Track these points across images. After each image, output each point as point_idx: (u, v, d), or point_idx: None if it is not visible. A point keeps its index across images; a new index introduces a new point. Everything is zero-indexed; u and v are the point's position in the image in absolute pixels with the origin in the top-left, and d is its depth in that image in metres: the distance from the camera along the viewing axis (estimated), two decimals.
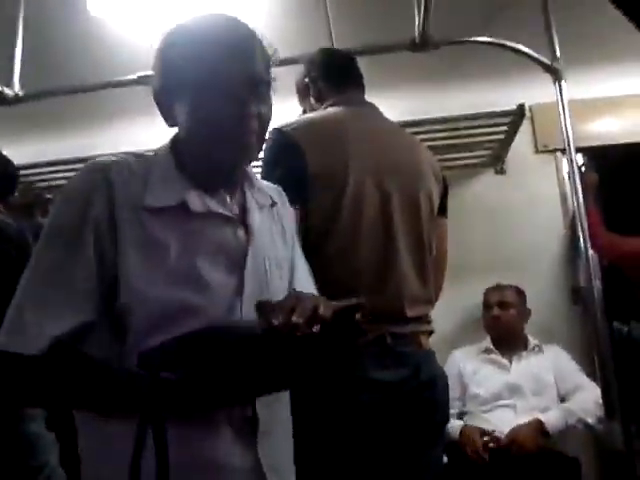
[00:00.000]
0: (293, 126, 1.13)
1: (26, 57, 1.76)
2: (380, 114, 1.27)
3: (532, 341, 2.12)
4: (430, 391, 1.12)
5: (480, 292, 2.25)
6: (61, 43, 2.02)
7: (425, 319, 1.18)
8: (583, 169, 2.36)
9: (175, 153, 0.79)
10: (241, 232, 0.79)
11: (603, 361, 1.65)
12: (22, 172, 2.40)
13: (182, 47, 0.76)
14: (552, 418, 1.90)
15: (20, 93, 1.74)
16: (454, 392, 1.98)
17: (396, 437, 1.06)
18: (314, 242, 1.09)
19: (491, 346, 2.13)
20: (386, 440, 1.05)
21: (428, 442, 1.12)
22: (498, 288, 2.19)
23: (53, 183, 2.70)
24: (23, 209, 2.25)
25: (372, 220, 1.11)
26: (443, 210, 1.29)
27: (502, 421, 1.92)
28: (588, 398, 1.90)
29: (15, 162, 1.82)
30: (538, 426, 1.87)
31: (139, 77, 1.70)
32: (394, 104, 1.30)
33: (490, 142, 2.30)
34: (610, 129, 2.44)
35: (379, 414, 1.04)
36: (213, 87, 0.73)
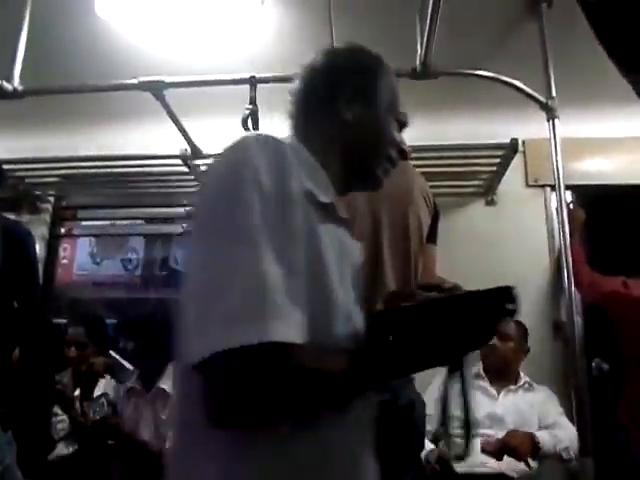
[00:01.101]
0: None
1: (30, 54, 1.76)
2: None
3: (523, 377, 2.11)
4: (408, 416, 1.12)
5: None
6: (67, 42, 2.03)
7: None
8: (571, 206, 2.40)
9: (315, 152, 0.77)
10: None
11: (580, 397, 1.65)
12: (14, 167, 2.40)
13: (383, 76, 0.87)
14: (544, 436, 1.89)
15: (19, 88, 1.74)
16: (438, 410, 1.97)
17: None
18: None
19: (481, 372, 2.11)
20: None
21: (404, 467, 1.11)
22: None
23: (45, 180, 2.69)
24: (10, 204, 2.23)
25: (360, 240, 1.12)
26: (433, 237, 1.31)
27: (477, 450, 1.92)
28: (566, 435, 1.90)
29: (7, 157, 1.81)
30: (532, 437, 1.87)
31: (140, 82, 1.71)
32: None
33: (482, 173, 2.33)
34: (600, 169, 2.50)
35: None
36: (391, 112, 0.86)
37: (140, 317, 2.23)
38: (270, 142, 0.68)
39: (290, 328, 0.58)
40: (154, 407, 2.09)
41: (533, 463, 1.89)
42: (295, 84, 0.87)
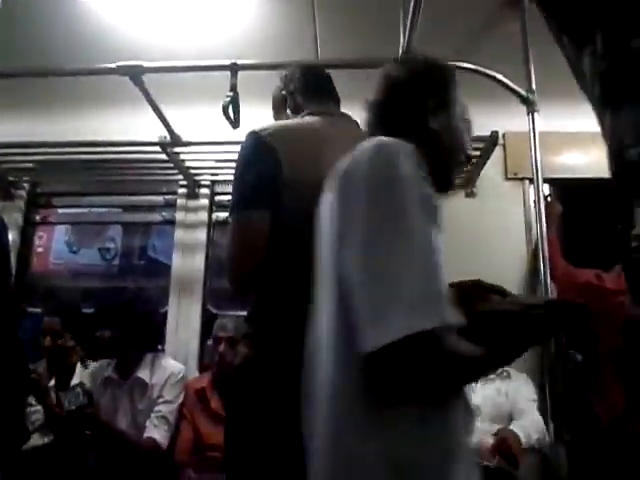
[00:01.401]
0: (269, 131, 1.13)
1: (5, 35, 1.71)
2: (356, 126, 1.29)
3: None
4: None
5: None
6: (44, 24, 1.98)
7: None
8: (549, 199, 2.44)
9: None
10: None
11: (554, 387, 1.69)
12: None
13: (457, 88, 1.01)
14: (519, 432, 1.90)
15: None
16: None
17: None
18: (282, 253, 1.09)
19: None
20: None
21: None
22: None
23: (20, 165, 2.62)
24: None
25: None
26: None
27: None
28: (534, 425, 1.92)
29: None
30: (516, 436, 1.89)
31: (118, 66, 1.67)
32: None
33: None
34: (577, 163, 2.53)
35: None
36: (463, 120, 1.00)
37: (117, 306, 2.20)
38: (409, 149, 0.78)
39: (449, 315, 0.68)
40: (131, 397, 2.08)
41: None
42: (376, 93, 0.99)
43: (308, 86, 1.30)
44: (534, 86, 1.74)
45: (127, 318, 2.07)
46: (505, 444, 1.84)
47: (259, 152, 1.11)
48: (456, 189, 2.52)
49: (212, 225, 2.66)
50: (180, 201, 2.66)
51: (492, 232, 2.46)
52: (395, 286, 0.68)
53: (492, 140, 2.14)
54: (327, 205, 0.88)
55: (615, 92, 0.55)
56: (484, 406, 2.01)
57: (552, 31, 0.63)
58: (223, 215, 2.63)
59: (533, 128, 1.77)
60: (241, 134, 1.17)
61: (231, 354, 2.02)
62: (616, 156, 0.52)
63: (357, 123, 1.29)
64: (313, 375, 0.84)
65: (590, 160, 2.52)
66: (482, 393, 2.05)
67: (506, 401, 2.04)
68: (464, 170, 2.43)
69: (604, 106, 0.55)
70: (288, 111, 1.31)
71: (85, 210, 3.01)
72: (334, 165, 1.13)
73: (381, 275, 0.69)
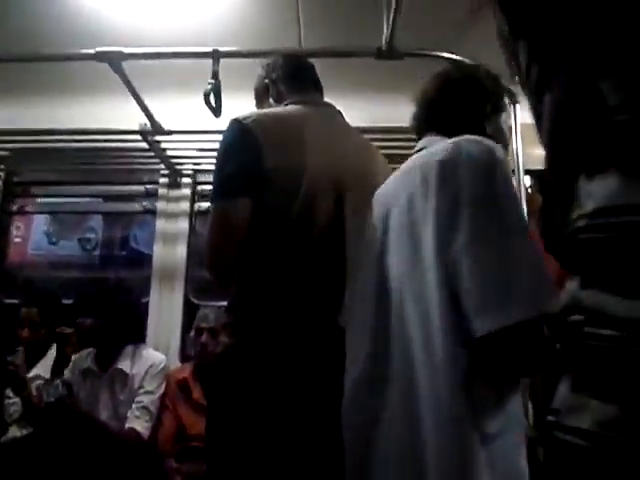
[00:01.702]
0: (252, 119, 1.12)
1: None
2: (339, 115, 1.28)
3: None
4: None
5: None
6: (19, 5, 1.92)
7: None
8: (529, 190, 2.46)
9: None
10: None
11: None
12: None
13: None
14: None
15: None
16: None
17: (331, 439, 1.07)
18: (263, 242, 1.08)
19: None
20: (320, 442, 1.05)
21: None
22: None
23: None
24: None
25: (324, 224, 1.11)
26: None
27: None
28: None
29: None
30: None
31: (97, 52, 1.64)
32: (350, 110, 1.33)
33: None
34: None
35: (317, 413, 1.05)
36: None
37: (97, 296, 2.17)
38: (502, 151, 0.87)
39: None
40: (112, 388, 2.06)
41: None
42: (431, 91, 1.09)
43: (291, 75, 1.29)
44: (516, 77, 1.74)
45: (107, 308, 2.04)
46: None
47: (241, 140, 1.10)
48: None
49: (194, 215, 2.64)
50: (162, 190, 2.63)
51: None
52: (511, 273, 0.75)
53: None
54: (398, 193, 0.93)
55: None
56: None
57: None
58: (205, 205, 2.60)
59: (515, 119, 1.78)
60: (223, 123, 1.16)
61: (213, 344, 2.02)
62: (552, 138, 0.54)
63: (340, 112, 1.29)
64: (390, 361, 0.85)
65: None
66: None
67: None
68: None
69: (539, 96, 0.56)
70: (271, 100, 1.30)
71: (64, 200, 2.96)
72: (316, 158, 1.14)
73: (495, 262, 0.76)
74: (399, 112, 2.40)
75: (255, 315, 1.08)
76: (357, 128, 1.37)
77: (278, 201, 1.08)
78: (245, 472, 1.03)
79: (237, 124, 1.11)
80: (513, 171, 1.99)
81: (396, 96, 2.41)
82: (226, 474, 1.06)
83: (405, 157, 2.31)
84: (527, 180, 2.43)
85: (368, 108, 2.33)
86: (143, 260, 2.92)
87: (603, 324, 0.43)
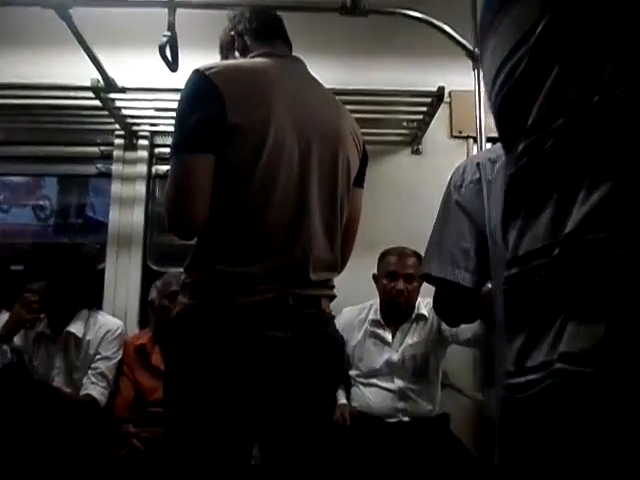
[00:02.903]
0: (215, 69, 1.07)
1: None
2: (306, 69, 1.24)
3: (416, 309, 2.09)
4: (326, 353, 1.13)
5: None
6: None
7: (329, 284, 1.19)
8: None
9: None
10: None
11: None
12: None
13: None
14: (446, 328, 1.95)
15: None
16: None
17: (284, 395, 1.07)
18: (227, 195, 1.05)
19: (379, 318, 2.08)
20: (274, 398, 1.06)
21: (320, 399, 1.13)
22: (404, 256, 2.06)
23: None
24: None
25: (288, 178, 1.09)
26: (360, 180, 1.30)
27: (377, 401, 1.99)
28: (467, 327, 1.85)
29: None
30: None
31: None
32: (317, 70, 1.29)
33: (409, 121, 2.34)
34: None
35: (269, 371, 1.04)
36: None
37: (46, 261, 2.09)
38: None
39: None
40: (66, 352, 2.01)
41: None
42: None
43: (258, 27, 1.24)
44: None
45: (56, 272, 1.97)
46: None
47: (203, 92, 1.05)
48: (402, 146, 2.53)
49: (152, 178, 2.55)
50: (117, 153, 2.52)
51: (437, 189, 2.47)
52: None
53: (438, 95, 2.14)
54: None
55: None
56: (404, 359, 2.03)
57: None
58: (164, 168, 2.52)
59: (478, 84, 1.77)
60: (182, 81, 1.10)
61: (171, 308, 1.98)
62: None
63: (306, 67, 1.24)
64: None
65: None
66: (398, 348, 2.05)
67: (425, 346, 2.04)
68: (410, 127, 2.44)
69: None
70: (236, 53, 1.25)
71: (12, 163, 2.80)
72: (282, 111, 1.10)
73: None
74: (369, 75, 2.39)
75: (213, 274, 1.05)
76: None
77: (242, 157, 1.05)
78: (202, 432, 1.02)
79: (199, 75, 1.06)
80: (475, 138, 2.00)
81: (367, 58, 2.39)
82: (183, 434, 1.05)
83: (376, 121, 2.31)
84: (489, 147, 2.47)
85: (337, 70, 2.28)
86: (100, 228, 2.82)
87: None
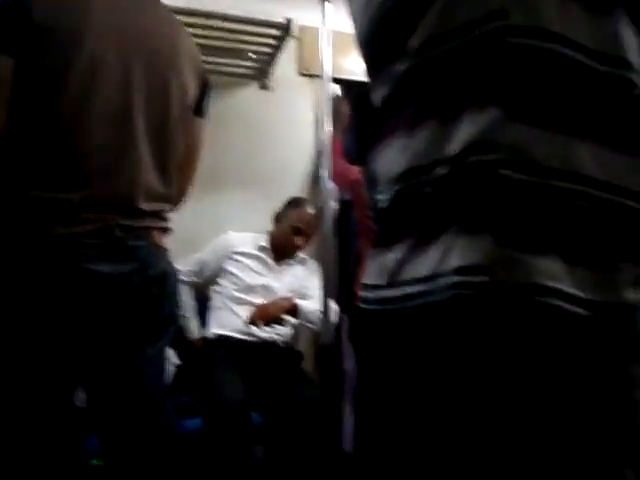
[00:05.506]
0: None
1: None
2: None
3: (301, 254, 2.23)
4: (158, 287, 1.09)
5: (232, 203, 2.31)
6: None
7: (161, 215, 1.14)
8: (339, 99, 2.53)
9: None
10: None
11: (327, 270, 1.87)
12: None
13: None
14: (304, 304, 2.09)
15: None
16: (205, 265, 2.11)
17: (107, 334, 1.02)
18: (36, 110, 0.93)
19: (267, 245, 2.18)
20: (97, 337, 1.01)
21: (150, 337, 1.10)
22: (314, 218, 2.15)
23: None
24: None
25: (108, 95, 1.00)
26: (200, 110, 1.23)
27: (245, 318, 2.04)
28: (312, 306, 2.09)
29: None
30: (289, 300, 2.09)
31: None
32: None
33: (256, 53, 2.27)
34: None
35: (92, 308, 0.98)
36: None
37: None
38: None
39: None
40: None
41: (293, 322, 2.10)
42: None
43: None
44: None
45: None
46: (265, 308, 2.03)
47: None
48: (250, 80, 2.46)
49: None
50: None
51: (284, 126, 2.50)
52: None
53: (285, 28, 2.09)
54: None
55: None
56: (281, 286, 2.14)
57: None
58: None
59: (324, 21, 1.77)
60: None
61: None
62: None
63: None
64: None
65: None
66: (279, 276, 2.16)
67: (301, 283, 2.18)
68: (257, 59, 2.37)
69: None
70: None
71: None
72: (102, 19, 0.97)
73: None
74: None
75: (24, 201, 0.94)
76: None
77: (51, 64, 0.93)
78: (18, 374, 0.95)
79: None
80: (319, 76, 2.02)
81: None
82: None
83: (220, 50, 2.18)
84: (336, 88, 2.51)
85: None
86: None
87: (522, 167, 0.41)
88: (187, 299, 2.08)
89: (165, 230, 1.16)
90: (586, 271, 0.40)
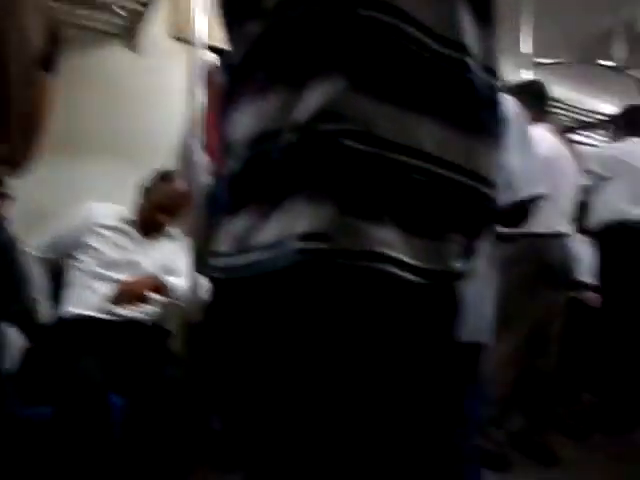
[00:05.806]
0: None
1: None
2: None
3: (171, 229, 2.13)
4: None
5: (92, 172, 2.14)
6: None
7: None
8: (216, 69, 2.43)
9: None
10: None
11: (198, 246, 1.81)
12: None
13: None
14: (174, 282, 1.99)
15: None
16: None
17: None
18: None
19: (134, 218, 2.03)
20: None
21: None
22: (182, 197, 2.03)
23: None
24: None
25: None
26: (48, 65, 1.11)
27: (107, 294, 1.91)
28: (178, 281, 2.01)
29: None
30: (155, 280, 1.96)
31: None
32: None
33: (123, 9, 2.10)
34: None
35: None
36: None
37: None
38: None
39: None
40: None
41: (161, 300, 2.00)
42: None
43: None
44: None
45: None
46: (128, 287, 1.92)
47: None
48: (117, 38, 2.27)
49: None
50: None
51: (155, 92, 2.35)
52: None
53: None
54: None
55: None
56: (148, 262, 2.02)
57: None
58: None
59: None
60: None
61: None
62: None
63: None
64: None
65: None
66: (146, 252, 2.04)
67: (169, 258, 2.07)
68: (124, 17, 2.18)
69: None
70: None
71: None
72: None
73: None
74: None
75: None
76: None
77: None
78: None
79: None
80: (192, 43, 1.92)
81: None
82: None
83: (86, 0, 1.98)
84: (212, 57, 2.41)
85: None
86: None
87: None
88: (38, 276, 1.90)
89: (4, 196, 1.03)
90: (420, 240, 0.42)
